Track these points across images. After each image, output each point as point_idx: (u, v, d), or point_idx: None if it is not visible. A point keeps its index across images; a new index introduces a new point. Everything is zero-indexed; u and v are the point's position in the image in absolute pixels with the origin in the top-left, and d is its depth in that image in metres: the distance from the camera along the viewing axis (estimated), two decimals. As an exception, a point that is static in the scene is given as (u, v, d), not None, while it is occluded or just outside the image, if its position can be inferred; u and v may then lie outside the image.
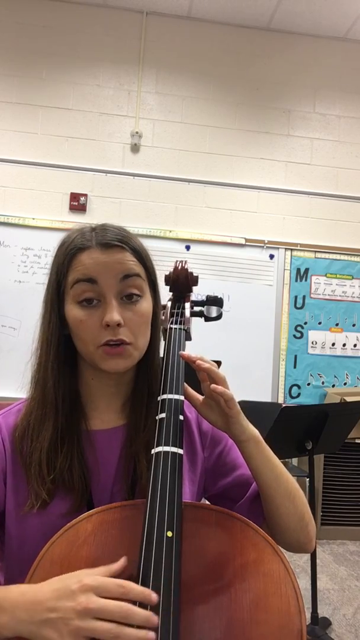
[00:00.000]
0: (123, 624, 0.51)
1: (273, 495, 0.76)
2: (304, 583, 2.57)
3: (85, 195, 3.64)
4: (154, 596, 0.54)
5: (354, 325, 3.83)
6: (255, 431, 0.76)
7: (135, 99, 3.75)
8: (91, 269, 0.73)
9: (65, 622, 0.52)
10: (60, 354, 0.78)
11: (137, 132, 3.71)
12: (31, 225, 3.57)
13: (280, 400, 3.69)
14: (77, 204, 3.62)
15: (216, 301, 1.01)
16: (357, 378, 3.82)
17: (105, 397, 0.83)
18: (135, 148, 3.73)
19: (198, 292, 0.97)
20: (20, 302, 3.49)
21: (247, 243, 3.75)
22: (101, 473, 0.79)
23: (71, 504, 0.74)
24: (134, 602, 0.53)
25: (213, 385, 0.72)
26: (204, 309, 1.01)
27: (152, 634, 0.51)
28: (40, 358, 0.80)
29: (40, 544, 0.65)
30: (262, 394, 3.64)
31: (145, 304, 0.78)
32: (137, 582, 0.58)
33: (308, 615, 2.17)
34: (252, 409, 3.34)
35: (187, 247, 3.70)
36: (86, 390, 0.83)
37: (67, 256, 0.76)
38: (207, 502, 0.85)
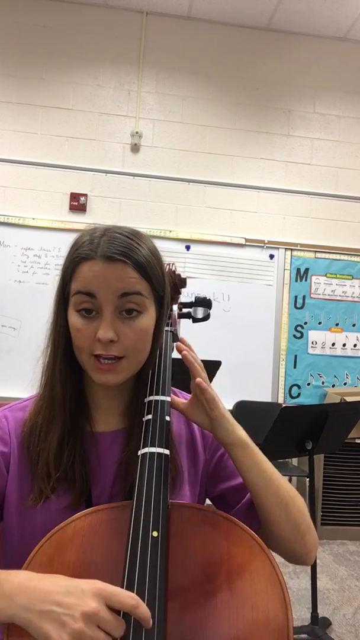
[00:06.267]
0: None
1: (263, 501, 0.75)
2: (304, 583, 2.57)
3: (85, 195, 3.64)
4: (150, 623, 0.53)
5: (354, 325, 3.83)
6: (242, 435, 0.75)
7: (135, 99, 3.75)
8: (91, 283, 0.73)
9: (69, 620, 0.50)
10: (67, 355, 0.79)
11: (137, 132, 3.71)
12: (31, 225, 3.57)
13: (280, 400, 3.69)
14: (77, 204, 3.62)
15: (204, 302, 1.02)
16: (357, 378, 3.82)
17: (107, 399, 0.84)
18: (135, 148, 3.73)
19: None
20: (20, 302, 3.49)
21: (247, 243, 3.75)
22: (102, 474, 0.79)
23: (71, 500, 0.75)
24: (118, 612, 0.53)
25: (198, 380, 0.72)
26: (191, 310, 1.01)
27: None
28: (48, 358, 0.81)
29: (40, 538, 0.66)
30: (262, 394, 3.64)
31: (145, 320, 0.77)
32: (122, 582, 0.58)
33: (308, 615, 2.17)
34: (252, 409, 3.37)
35: (187, 247, 3.70)
36: (89, 391, 0.84)
37: (71, 263, 0.76)
38: (210, 503, 0.85)
